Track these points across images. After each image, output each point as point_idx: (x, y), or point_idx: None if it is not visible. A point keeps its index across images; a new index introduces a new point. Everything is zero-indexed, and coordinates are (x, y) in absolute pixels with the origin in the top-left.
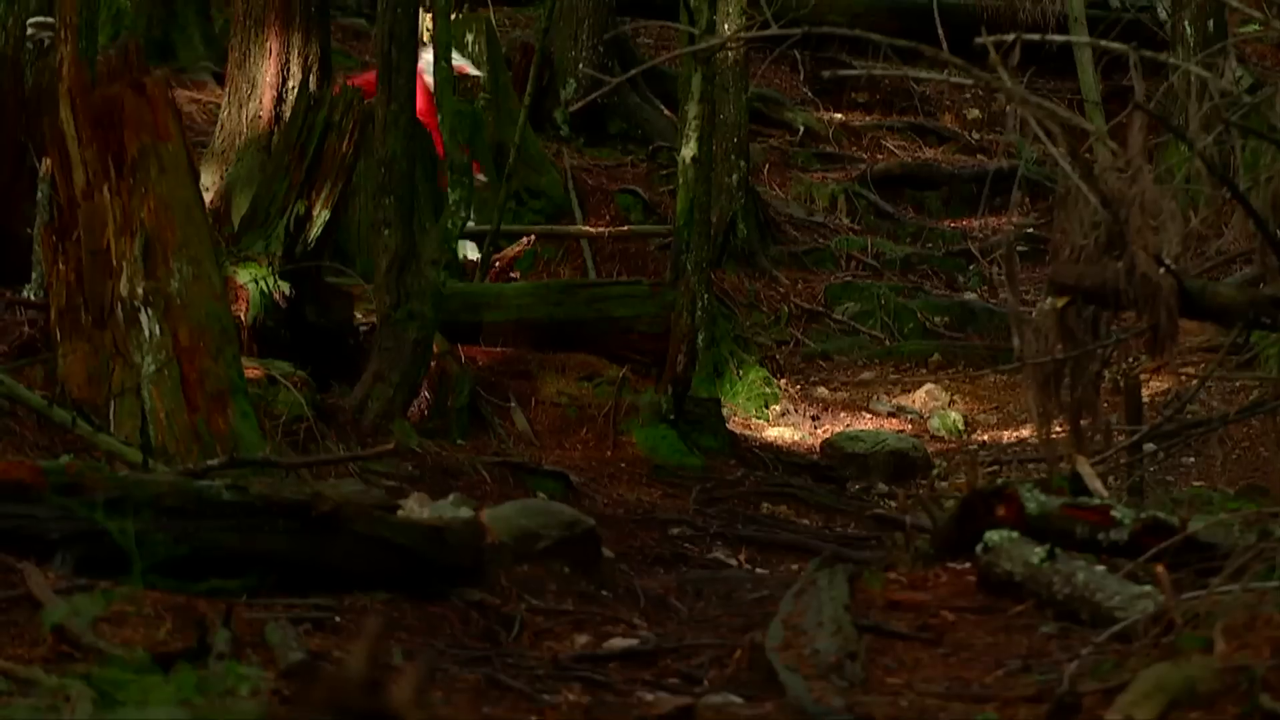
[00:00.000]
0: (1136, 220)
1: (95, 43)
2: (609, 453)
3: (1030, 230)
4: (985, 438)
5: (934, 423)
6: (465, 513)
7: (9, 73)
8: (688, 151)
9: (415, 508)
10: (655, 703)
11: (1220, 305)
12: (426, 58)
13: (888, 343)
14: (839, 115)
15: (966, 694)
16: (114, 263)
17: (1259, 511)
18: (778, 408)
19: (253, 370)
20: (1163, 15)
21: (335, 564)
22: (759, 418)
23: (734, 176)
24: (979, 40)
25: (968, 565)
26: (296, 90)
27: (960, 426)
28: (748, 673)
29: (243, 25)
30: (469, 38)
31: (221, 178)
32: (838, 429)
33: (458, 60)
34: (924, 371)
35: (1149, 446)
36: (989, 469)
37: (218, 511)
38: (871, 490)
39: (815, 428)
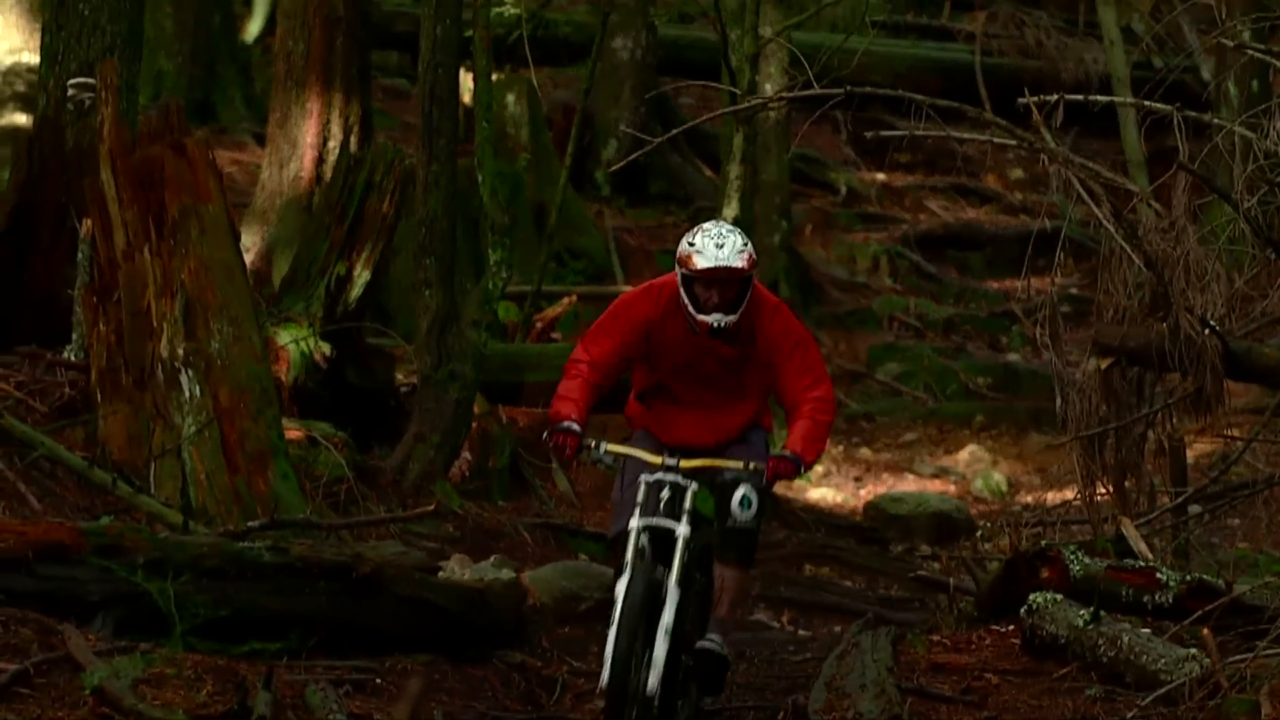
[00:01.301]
0: (1181, 281)
1: (136, 103)
2: None
3: (1074, 291)
4: (1029, 499)
5: (977, 484)
6: (506, 574)
7: (50, 133)
8: (729, 212)
9: (456, 569)
10: None
11: (1266, 366)
12: None
13: (930, 404)
14: (881, 175)
15: None
16: (154, 324)
17: None
18: (820, 469)
19: (293, 431)
20: (1206, 76)
21: (376, 625)
22: (801, 479)
23: (776, 237)
24: (1022, 101)
25: (1011, 627)
26: (337, 150)
27: (1004, 488)
28: None
29: (283, 86)
30: (510, 98)
31: (262, 238)
32: (880, 490)
33: None
34: (967, 433)
35: (1194, 508)
36: (1033, 531)
37: (258, 573)
38: (914, 552)
39: (858, 489)
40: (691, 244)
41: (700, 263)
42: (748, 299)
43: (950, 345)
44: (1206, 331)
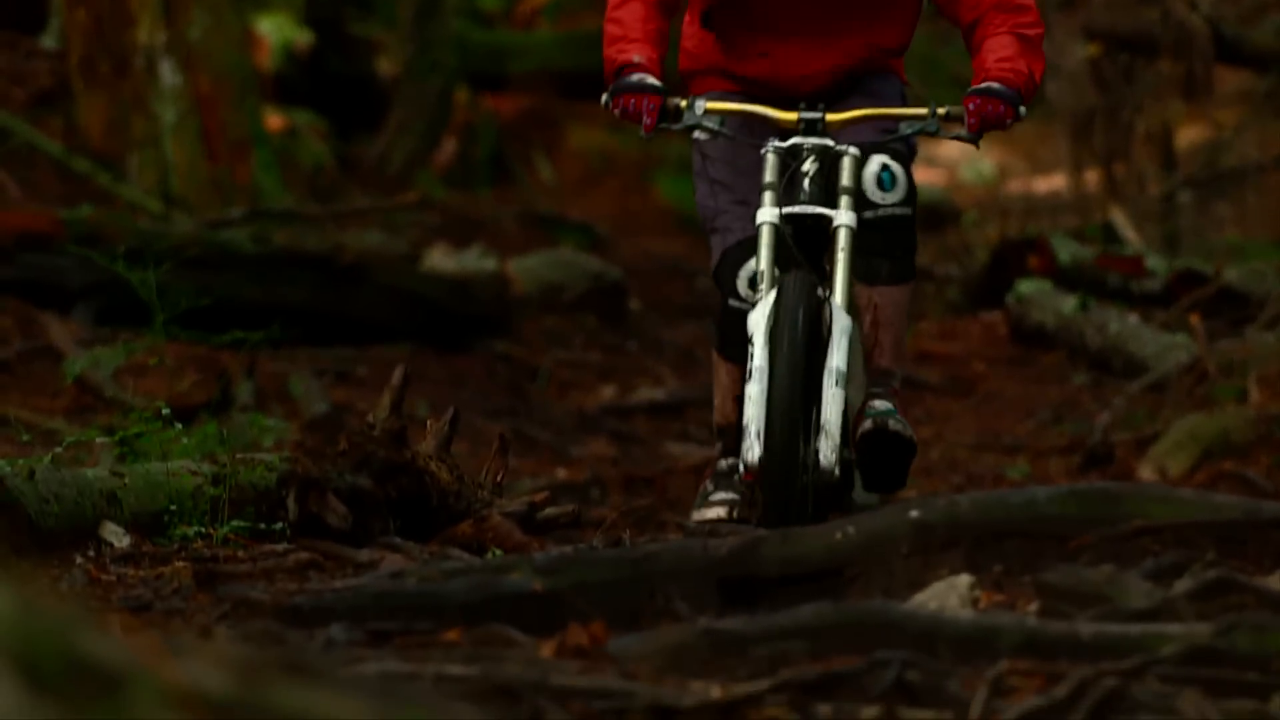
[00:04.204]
0: None
1: None
2: (636, 204)
3: None
4: (1017, 187)
5: (965, 172)
6: (490, 264)
7: None
8: None
9: (440, 259)
10: (682, 455)
11: (1256, 52)
12: None
13: (918, 92)
14: None
15: (998, 445)
16: (133, 10)
17: None
18: None
19: (274, 120)
20: None
21: (359, 316)
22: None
23: None
24: None
25: (999, 315)
26: None
27: (992, 175)
28: None
29: None
30: None
31: None
32: None
33: None
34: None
35: (1183, 195)
36: (1021, 218)
37: (240, 263)
38: None
39: None
40: None
41: None
42: None
43: (937, 30)
44: (1197, 16)
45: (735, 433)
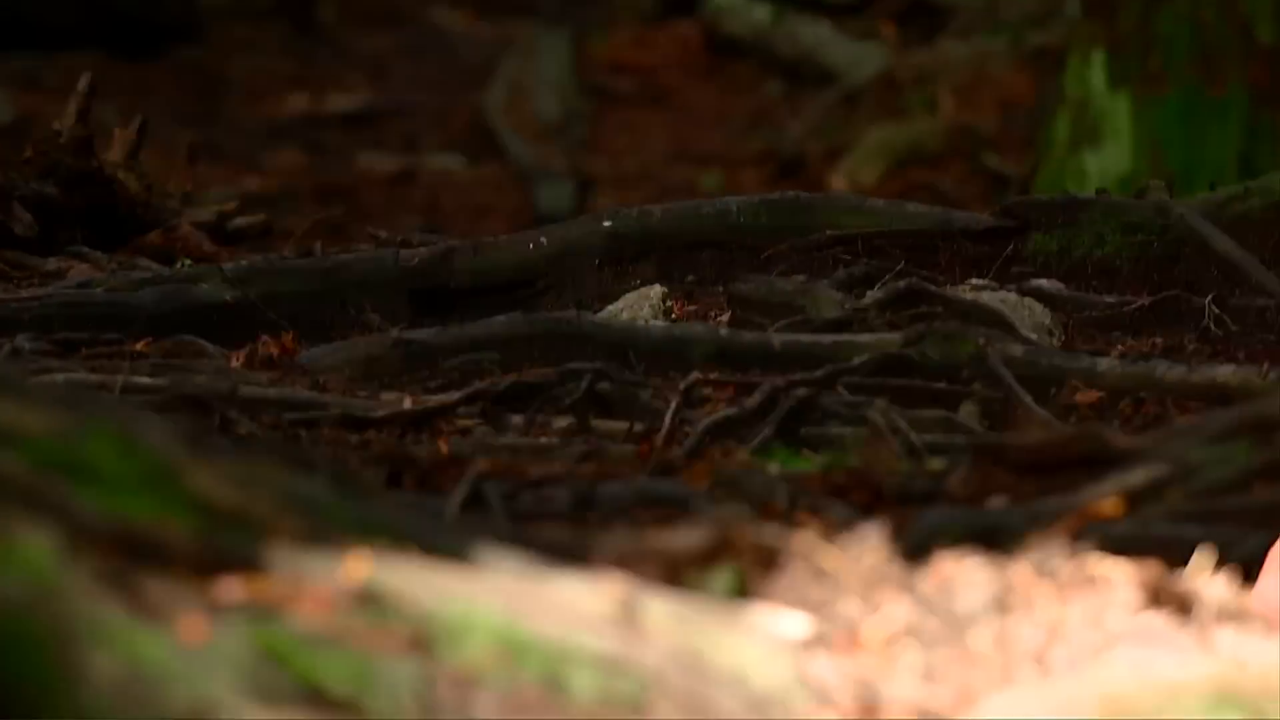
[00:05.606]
0: None
1: None
2: None
3: None
4: None
5: None
6: None
7: None
8: None
9: None
10: (376, 165)
11: None
12: None
13: None
14: None
15: (692, 155)
16: None
17: None
18: None
19: None
20: None
21: (44, 21)
22: None
23: None
24: None
25: (693, 25)
26: None
27: None
28: (469, 135)
29: None
30: None
31: None
32: None
33: None
34: None
35: None
36: None
37: None
38: None
39: None
40: None
41: None
42: None
43: None
44: None
45: None
